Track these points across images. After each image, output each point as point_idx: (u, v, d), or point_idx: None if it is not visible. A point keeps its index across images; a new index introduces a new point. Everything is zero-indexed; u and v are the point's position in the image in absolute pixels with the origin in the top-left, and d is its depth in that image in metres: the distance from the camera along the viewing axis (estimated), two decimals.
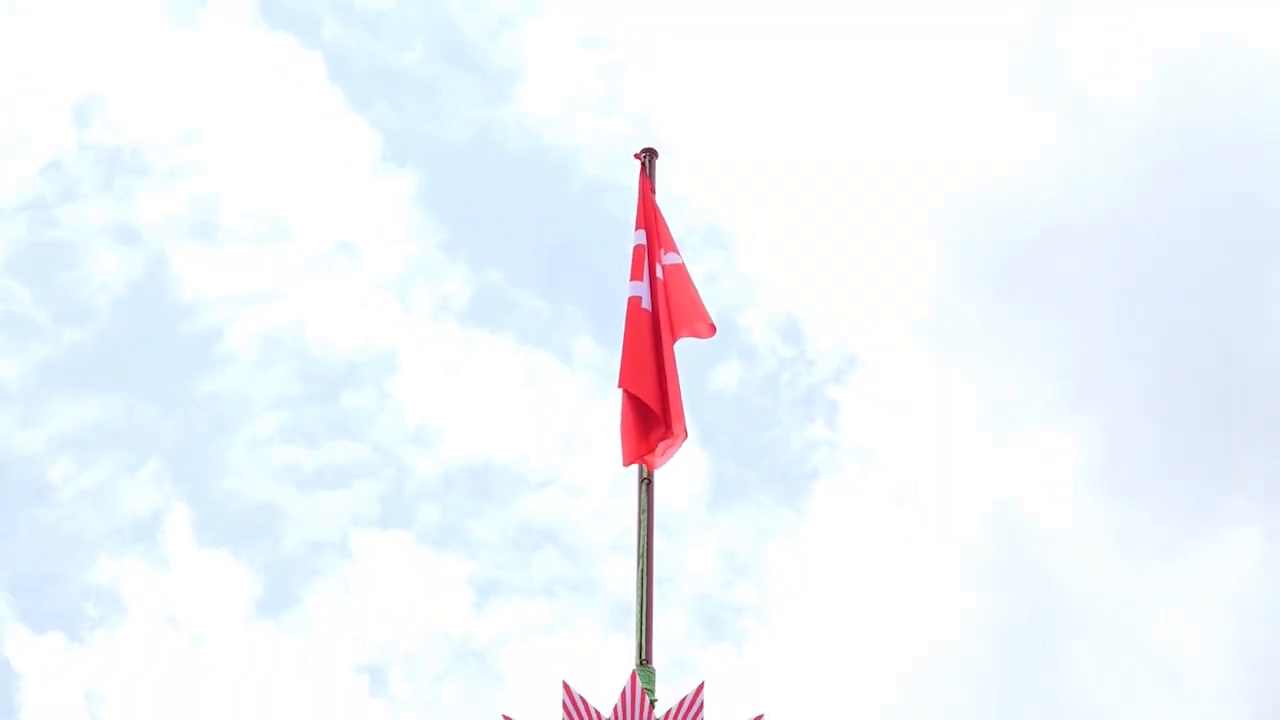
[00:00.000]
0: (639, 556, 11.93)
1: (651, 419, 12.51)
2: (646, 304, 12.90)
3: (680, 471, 12.18)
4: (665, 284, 13.06)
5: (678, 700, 10.39)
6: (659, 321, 12.94)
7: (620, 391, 12.61)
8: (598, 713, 10.31)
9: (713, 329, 13.52)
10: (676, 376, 12.79)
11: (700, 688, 10.34)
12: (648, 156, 13.47)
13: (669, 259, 13.22)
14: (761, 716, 10.23)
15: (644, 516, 12.08)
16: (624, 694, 10.43)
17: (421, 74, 52.93)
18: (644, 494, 12.16)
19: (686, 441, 12.76)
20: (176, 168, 49.23)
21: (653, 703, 10.49)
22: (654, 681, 10.99)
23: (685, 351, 12.83)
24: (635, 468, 12.18)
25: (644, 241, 13.20)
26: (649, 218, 13.23)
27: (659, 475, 12.39)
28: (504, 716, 10.26)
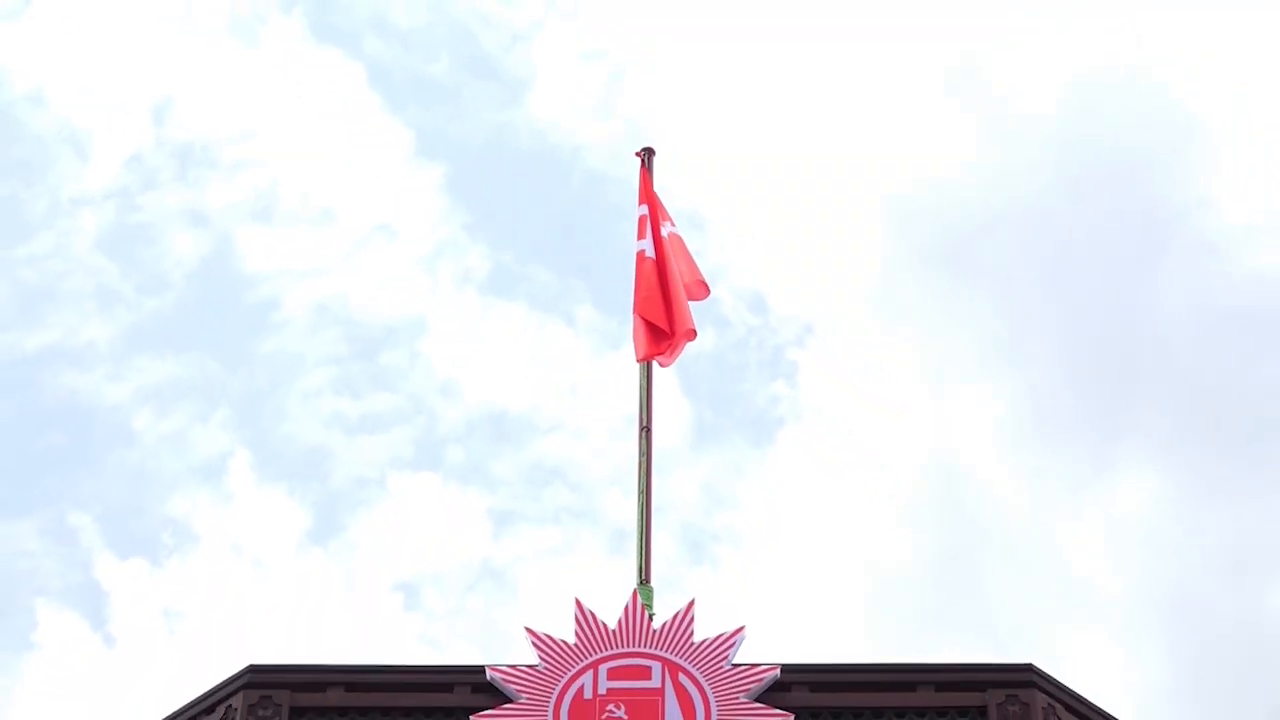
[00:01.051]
0: (639, 493, 12.44)
1: (660, 332, 13.17)
2: (650, 254, 13.53)
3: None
4: (669, 242, 13.71)
5: (672, 614, 10.80)
6: (663, 264, 13.51)
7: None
8: (605, 625, 10.69)
9: (707, 290, 14.08)
10: (682, 297, 13.47)
11: (691, 604, 10.74)
12: (646, 154, 14.11)
13: (668, 229, 13.82)
14: (743, 628, 10.63)
15: (644, 460, 12.62)
16: (627, 609, 10.80)
17: (447, 82, 53.64)
18: (644, 440, 12.74)
19: (691, 342, 13.50)
20: (239, 161, 49.00)
21: (651, 616, 10.88)
22: (652, 598, 11.43)
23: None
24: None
25: (646, 213, 13.81)
26: (650, 198, 13.87)
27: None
28: (526, 629, 10.65)
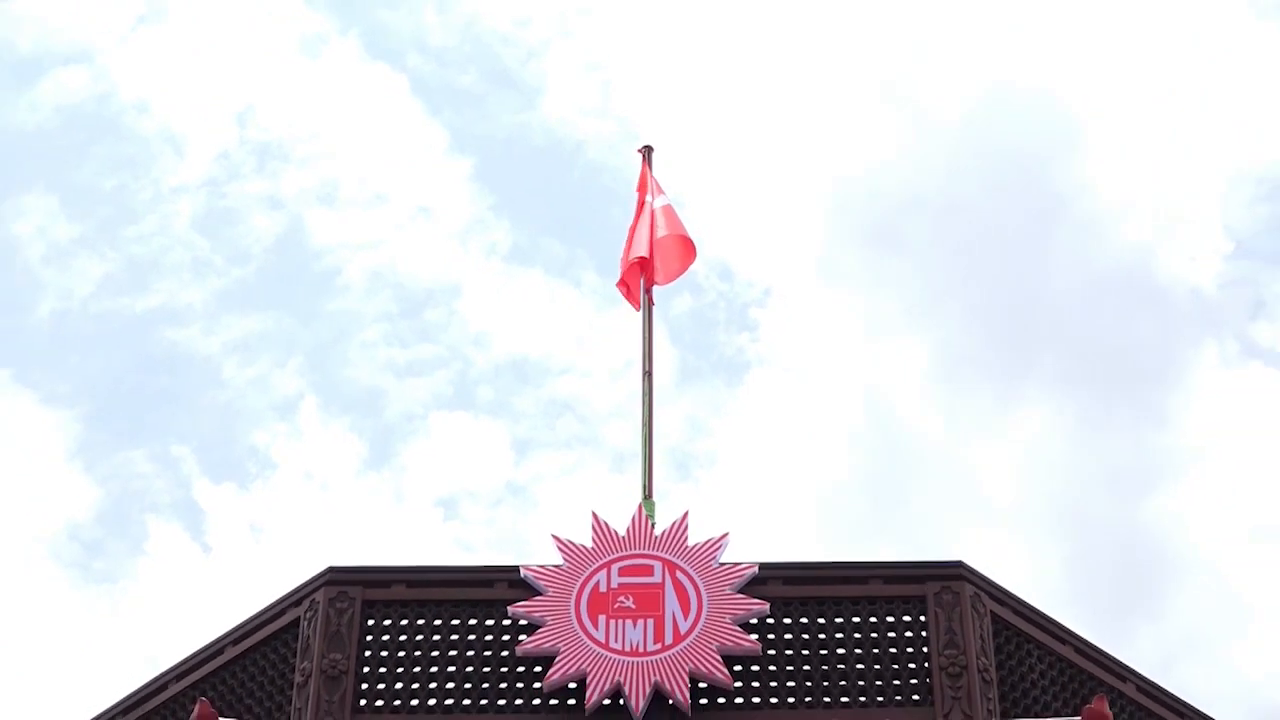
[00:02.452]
0: (643, 425, 12.46)
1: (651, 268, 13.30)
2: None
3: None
4: (662, 211, 13.65)
5: (669, 523, 10.80)
6: (653, 219, 13.54)
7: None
8: (615, 532, 10.70)
9: (693, 249, 13.88)
10: (685, 234, 13.63)
11: (685, 515, 10.74)
12: (647, 151, 14.06)
13: (660, 201, 13.73)
14: (727, 534, 10.63)
15: (646, 398, 12.65)
16: (633, 519, 10.81)
17: (475, 90, 53.82)
18: (646, 382, 12.73)
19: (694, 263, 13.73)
20: (308, 155, 48.23)
21: (653, 524, 10.88)
22: (654, 511, 11.46)
23: (661, 289, 13.61)
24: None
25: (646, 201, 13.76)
26: (650, 185, 13.82)
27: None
28: (553, 535, 10.66)
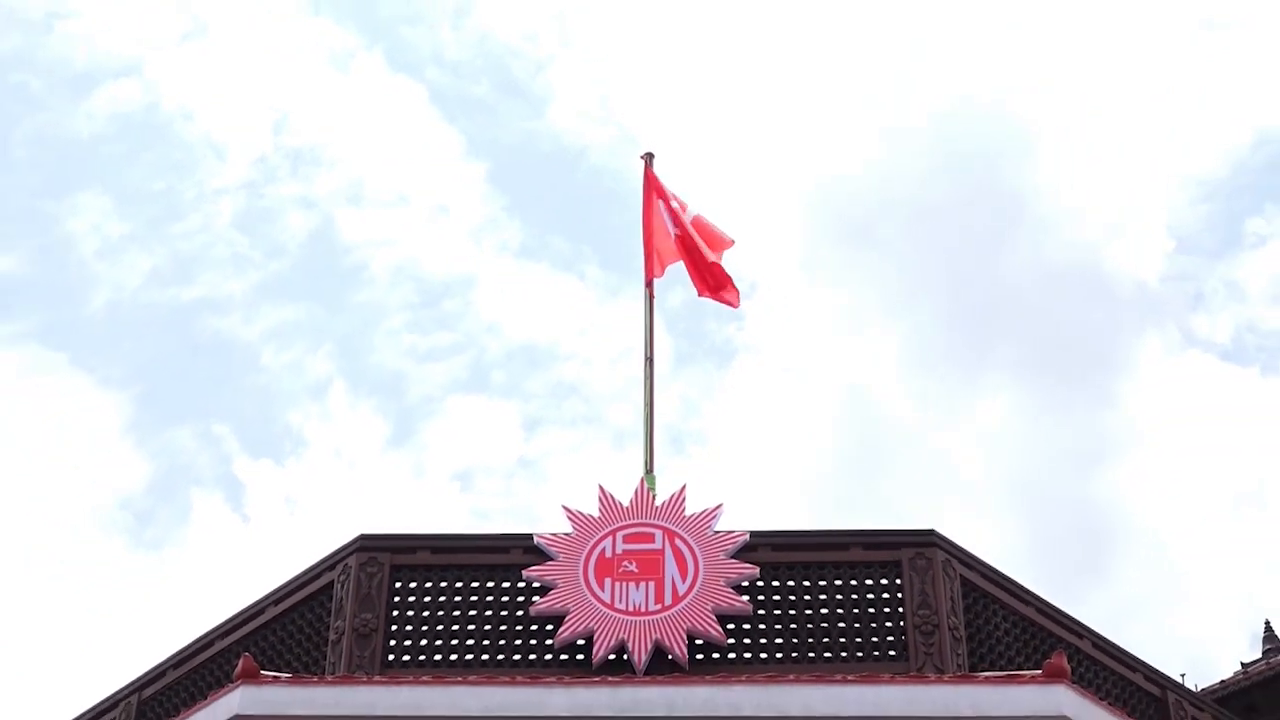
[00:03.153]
0: (645, 405, 12.43)
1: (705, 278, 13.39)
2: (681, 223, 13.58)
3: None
4: (695, 223, 13.63)
5: (668, 496, 10.79)
6: (688, 238, 13.49)
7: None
8: (619, 503, 10.71)
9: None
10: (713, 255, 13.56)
11: (683, 487, 10.74)
12: (649, 157, 13.94)
13: (689, 215, 13.69)
14: (721, 505, 10.63)
15: (648, 382, 12.64)
16: (636, 490, 10.83)
17: (488, 100, 54.18)
18: (648, 367, 12.70)
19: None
20: (336, 160, 48.95)
21: (653, 496, 10.90)
22: (655, 484, 11.45)
23: (659, 286, 13.53)
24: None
25: (672, 206, 13.64)
26: (659, 193, 13.66)
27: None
28: (563, 506, 10.68)
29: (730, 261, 13.77)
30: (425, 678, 9.86)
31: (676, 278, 14.11)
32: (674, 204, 13.66)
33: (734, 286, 13.62)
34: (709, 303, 13.82)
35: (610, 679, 9.70)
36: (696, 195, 13.57)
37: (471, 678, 9.83)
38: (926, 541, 10.69)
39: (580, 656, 10.16)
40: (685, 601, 10.24)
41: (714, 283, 13.55)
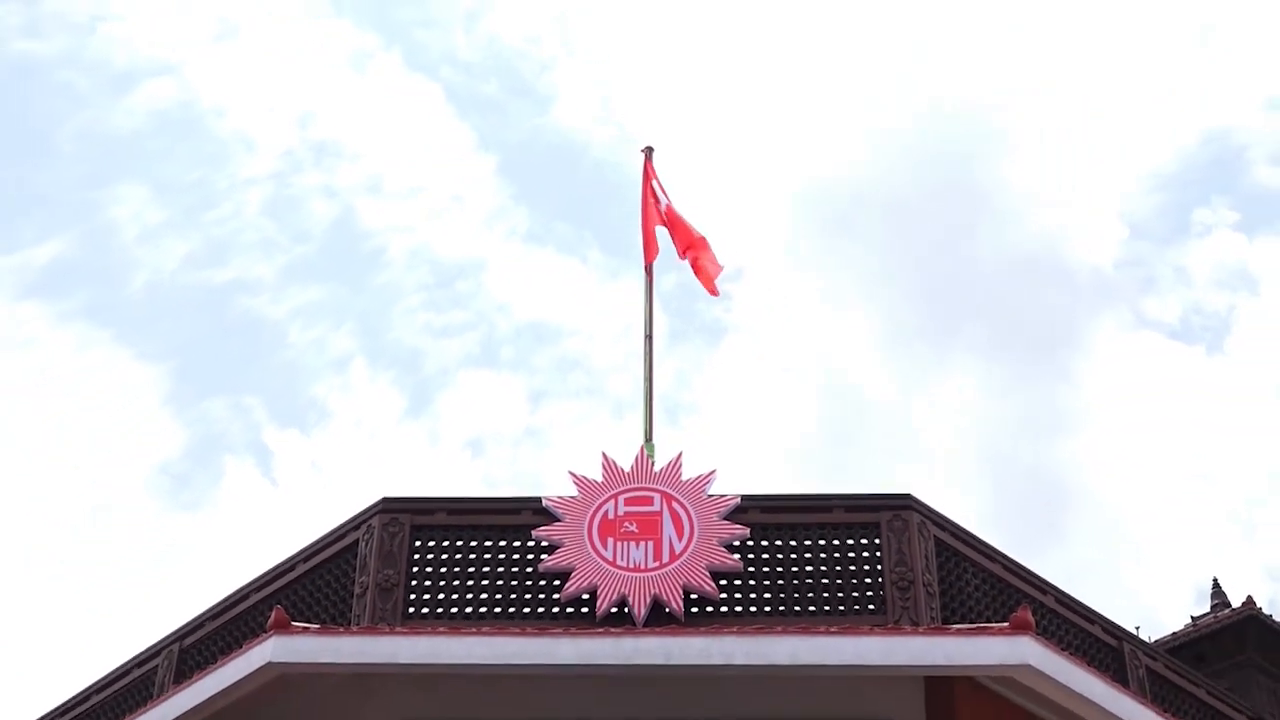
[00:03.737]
0: (645, 379, 12.41)
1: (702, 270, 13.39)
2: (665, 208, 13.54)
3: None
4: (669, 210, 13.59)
5: (666, 462, 10.80)
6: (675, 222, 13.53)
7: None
8: (621, 468, 10.72)
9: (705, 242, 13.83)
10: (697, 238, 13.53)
11: (679, 455, 10.75)
12: (649, 150, 13.94)
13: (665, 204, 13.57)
14: (714, 471, 10.63)
15: (648, 357, 12.61)
16: (636, 459, 10.85)
17: (498, 98, 54.26)
18: (647, 344, 12.69)
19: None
20: (357, 152, 49.00)
21: (652, 462, 10.91)
22: (654, 451, 11.46)
23: (656, 268, 13.37)
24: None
25: (656, 199, 13.60)
26: (655, 187, 13.62)
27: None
28: (569, 472, 10.64)
29: (717, 248, 13.76)
30: (442, 628, 9.92)
31: (670, 262, 14.07)
32: (660, 196, 13.66)
33: (715, 278, 13.73)
34: (699, 286, 13.81)
35: (612, 630, 9.75)
36: (690, 188, 13.54)
37: (485, 628, 9.91)
38: (903, 505, 10.73)
39: (585, 609, 10.19)
40: (681, 559, 10.27)
41: (696, 266, 13.60)
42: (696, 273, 13.58)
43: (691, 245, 13.51)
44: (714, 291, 13.71)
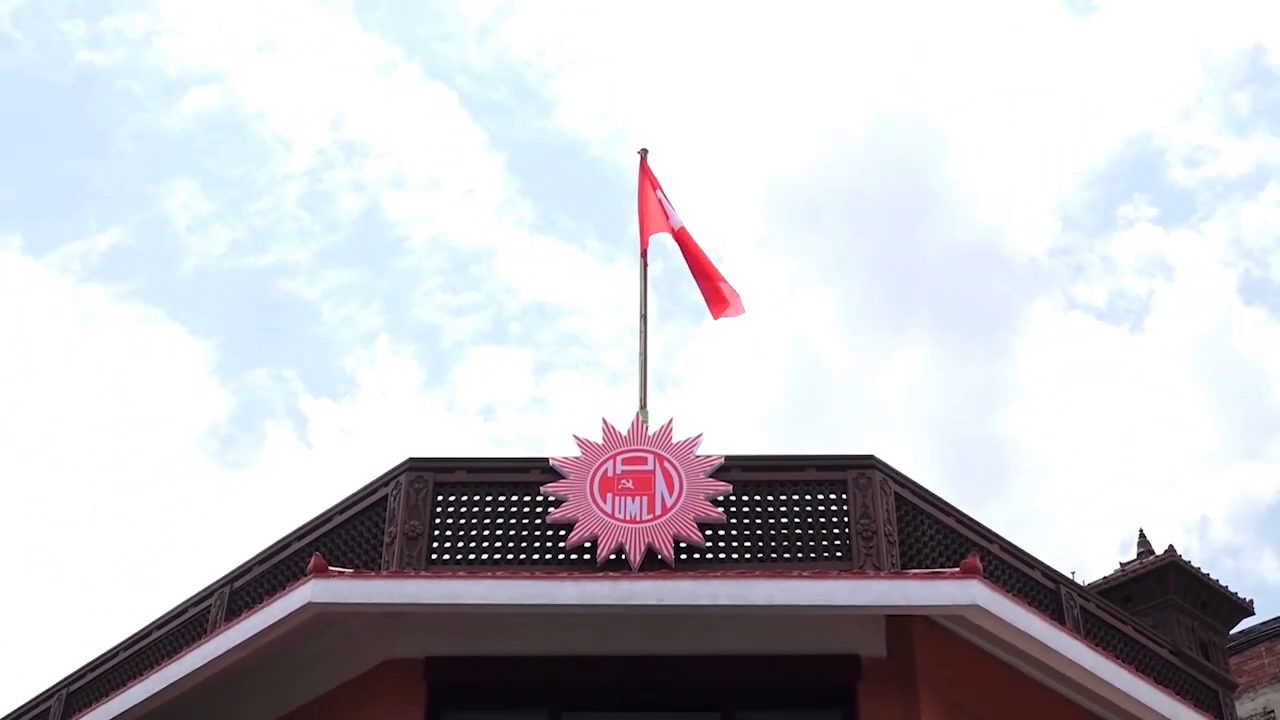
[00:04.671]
0: (640, 354, 12.43)
1: (717, 296, 13.14)
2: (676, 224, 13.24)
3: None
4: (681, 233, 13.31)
5: (659, 427, 10.74)
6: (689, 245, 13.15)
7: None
8: (619, 432, 10.67)
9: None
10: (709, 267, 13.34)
11: (670, 421, 10.68)
12: (644, 152, 13.92)
13: (675, 221, 13.36)
14: (701, 434, 10.59)
15: (643, 335, 12.65)
16: (632, 424, 10.80)
17: (506, 103, 54.31)
18: (643, 323, 12.68)
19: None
20: (382, 151, 49.48)
21: (647, 427, 10.88)
22: (648, 417, 11.51)
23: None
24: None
25: (663, 204, 13.36)
26: (650, 188, 13.44)
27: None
28: (574, 435, 10.61)
29: (705, 245, 13.62)
30: (462, 573, 9.99)
31: (660, 249, 14.04)
32: (665, 204, 13.42)
33: (735, 299, 13.33)
34: (685, 270, 13.65)
35: (611, 575, 9.79)
36: (676, 185, 13.45)
37: (499, 573, 9.93)
38: (867, 464, 10.74)
39: (587, 556, 10.20)
40: (672, 512, 10.26)
41: (711, 295, 13.27)
42: (707, 295, 13.30)
43: (708, 276, 13.27)
44: (716, 316, 13.27)
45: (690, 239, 13.41)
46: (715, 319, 13.25)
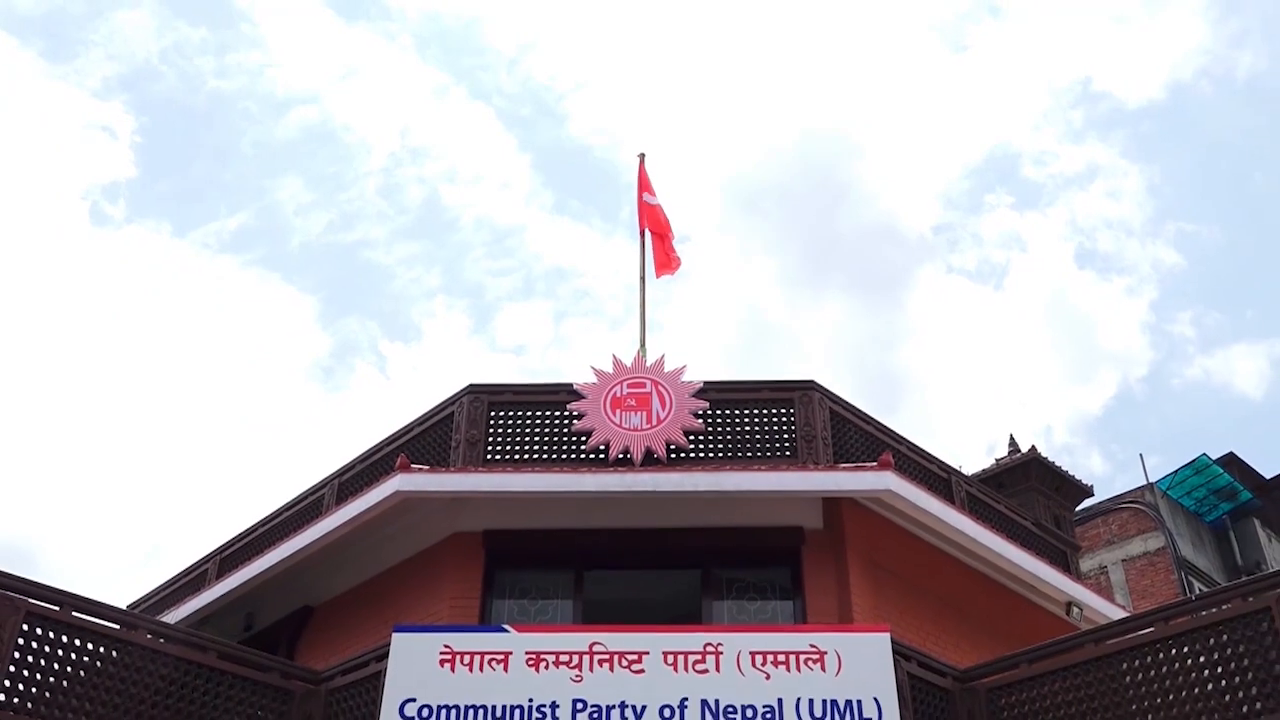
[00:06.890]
0: (640, 306, 12.33)
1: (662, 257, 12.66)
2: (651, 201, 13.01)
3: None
4: (655, 209, 12.98)
5: (654, 360, 10.61)
6: (657, 216, 12.84)
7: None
8: (624, 365, 10.52)
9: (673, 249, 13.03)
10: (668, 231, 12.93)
11: (662, 356, 10.55)
12: (642, 156, 13.60)
13: (649, 198, 13.04)
14: (686, 365, 10.48)
15: (642, 294, 12.49)
16: (635, 357, 10.72)
17: (531, 117, 53.83)
18: (642, 286, 12.52)
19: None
20: (440, 154, 50.34)
21: (644, 360, 10.75)
22: (646, 353, 11.48)
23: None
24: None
25: (643, 192, 13.14)
26: (646, 183, 13.18)
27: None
28: (591, 366, 10.42)
29: (676, 228, 13.39)
30: (509, 468, 10.02)
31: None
32: (647, 197, 13.07)
33: (675, 261, 12.90)
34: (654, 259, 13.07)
35: (619, 469, 9.82)
36: (655, 179, 13.27)
37: (537, 468, 9.98)
38: (809, 387, 10.75)
39: (602, 456, 10.20)
40: (664, 423, 10.23)
41: (663, 260, 12.84)
42: (656, 251, 12.83)
43: (663, 233, 12.96)
44: (659, 273, 12.68)
45: (661, 213, 13.10)
46: (658, 277, 12.67)
